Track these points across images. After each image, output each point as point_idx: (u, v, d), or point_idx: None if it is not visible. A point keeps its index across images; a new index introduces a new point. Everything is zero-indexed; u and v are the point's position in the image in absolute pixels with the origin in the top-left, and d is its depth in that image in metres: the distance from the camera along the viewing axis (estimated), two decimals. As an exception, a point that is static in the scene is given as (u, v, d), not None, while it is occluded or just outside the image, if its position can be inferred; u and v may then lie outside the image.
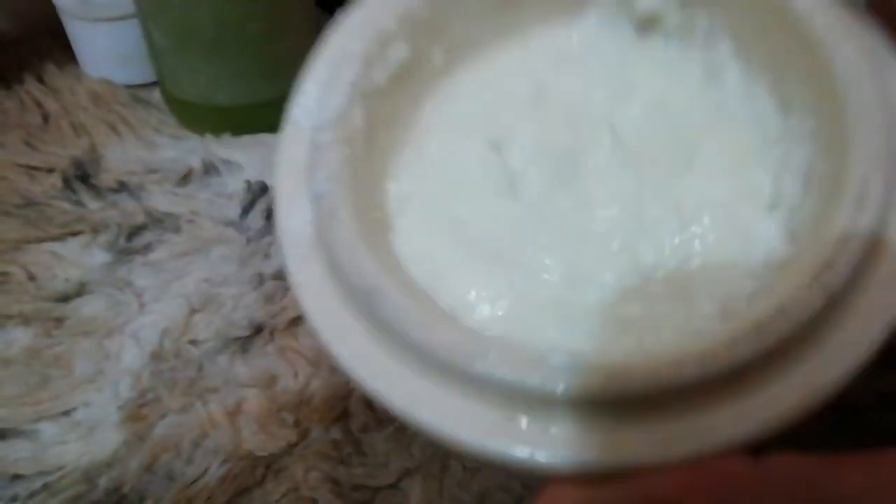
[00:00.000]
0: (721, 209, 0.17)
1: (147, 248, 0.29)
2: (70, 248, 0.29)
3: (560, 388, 0.13)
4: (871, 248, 0.14)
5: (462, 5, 0.19)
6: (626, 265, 0.17)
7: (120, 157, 0.33)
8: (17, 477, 0.21)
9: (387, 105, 0.18)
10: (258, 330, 0.25)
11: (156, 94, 0.36)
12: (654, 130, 0.18)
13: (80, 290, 0.27)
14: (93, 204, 0.30)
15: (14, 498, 0.21)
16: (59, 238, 0.29)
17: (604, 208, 0.17)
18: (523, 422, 0.14)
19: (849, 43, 0.15)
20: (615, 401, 0.13)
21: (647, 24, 0.19)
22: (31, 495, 0.21)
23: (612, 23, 0.19)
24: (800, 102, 0.16)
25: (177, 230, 0.29)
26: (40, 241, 0.29)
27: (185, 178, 0.32)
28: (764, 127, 0.17)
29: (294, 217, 0.16)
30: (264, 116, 0.34)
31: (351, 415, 0.23)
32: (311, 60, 0.18)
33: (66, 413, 0.23)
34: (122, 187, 0.31)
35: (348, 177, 0.16)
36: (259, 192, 0.31)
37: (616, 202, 0.18)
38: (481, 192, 0.18)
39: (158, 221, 0.30)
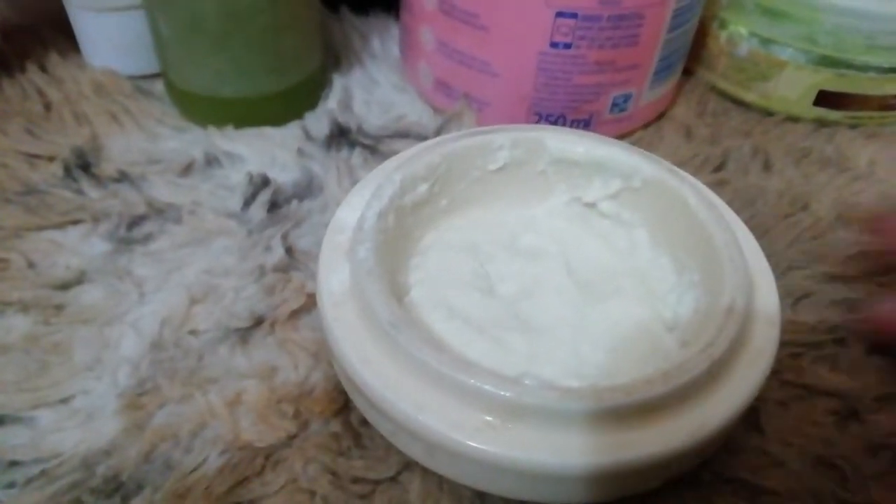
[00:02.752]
0: (638, 325, 0.23)
1: (148, 238, 0.28)
2: (70, 236, 0.28)
3: (530, 399, 0.17)
4: (739, 339, 0.20)
5: (466, 172, 0.26)
6: (569, 353, 0.22)
7: (122, 147, 0.33)
8: (14, 463, 0.21)
9: (407, 222, 0.25)
10: (259, 322, 0.25)
11: (159, 86, 0.36)
12: (593, 270, 0.25)
13: (80, 279, 0.27)
14: (94, 193, 0.30)
15: (11, 484, 0.21)
16: (60, 226, 0.29)
17: (557, 312, 0.24)
18: (497, 424, 0.18)
19: (720, 224, 0.22)
20: (580, 412, 0.17)
21: (590, 207, 0.27)
22: (29, 481, 0.21)
23: (566, 205, 0.27)
24: (689, 264, 0.24)
25: (178, 221, 0.29)
26: (40, 228, 0.29)
27: (187, 170, 0.32)
28: (666, 280, 0.24)
29: (333, 277, 0.22)
30: (267, 110, 0.34)
31: (351, 408, 0.23)
32: (363, 179, 0.25)
33: (65, 400, 0.23)
34: (123, 177, 0.31)
35: (382, 253, 0.22)
36: (261, 185, 0.31)
37: (566, 309, 0.24)
38: (469, 290, 0.24)
39: (160, 212, 0.30)
